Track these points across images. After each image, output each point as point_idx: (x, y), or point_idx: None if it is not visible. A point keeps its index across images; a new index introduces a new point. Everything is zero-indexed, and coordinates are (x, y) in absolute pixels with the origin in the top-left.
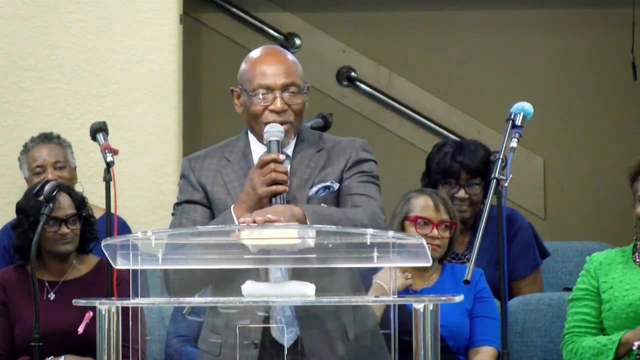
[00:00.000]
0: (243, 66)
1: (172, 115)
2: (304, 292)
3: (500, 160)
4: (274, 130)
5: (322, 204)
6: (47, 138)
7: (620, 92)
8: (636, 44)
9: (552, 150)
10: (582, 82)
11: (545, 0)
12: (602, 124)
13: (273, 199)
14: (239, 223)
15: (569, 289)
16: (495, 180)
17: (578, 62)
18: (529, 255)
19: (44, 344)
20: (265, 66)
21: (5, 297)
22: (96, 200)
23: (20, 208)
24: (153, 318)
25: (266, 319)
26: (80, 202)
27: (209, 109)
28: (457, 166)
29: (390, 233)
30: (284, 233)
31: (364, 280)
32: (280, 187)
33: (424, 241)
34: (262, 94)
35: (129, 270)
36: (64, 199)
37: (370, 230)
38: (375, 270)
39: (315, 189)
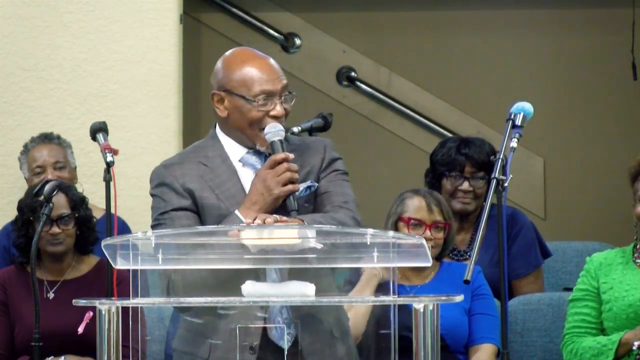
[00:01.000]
0: (229, 70)
1: (172, 115)
2: (304, 292)
3: (500, 160)
4: (275, 130)
5: (305, 204)
6: (47, 138)
7: (620, 92)
8: (636, 44)
9: (552, 150)
10: (582, 82)
11: (545, 0)
12: (602, 124)
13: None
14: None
15: (569, 289)
16: (495, 180)
17: (578, 62)
18: (531, 254)
19: (43, 344)
20: (262, 71)
21: (5, 297)
22: (96, 200)
23: (18, 207)
24: (153, 318)
25: (264, 321)
26: (77, 202)
27: (209, 109)
28: (462, 158)
29: (391, 233)
30: (284, 233)
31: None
32: (295, 187)
33: (424, 241)
34: (263, 100)
35: (129, 270)
36: (60, 199)
37: (370, 230)
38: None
39: (299, 189)
